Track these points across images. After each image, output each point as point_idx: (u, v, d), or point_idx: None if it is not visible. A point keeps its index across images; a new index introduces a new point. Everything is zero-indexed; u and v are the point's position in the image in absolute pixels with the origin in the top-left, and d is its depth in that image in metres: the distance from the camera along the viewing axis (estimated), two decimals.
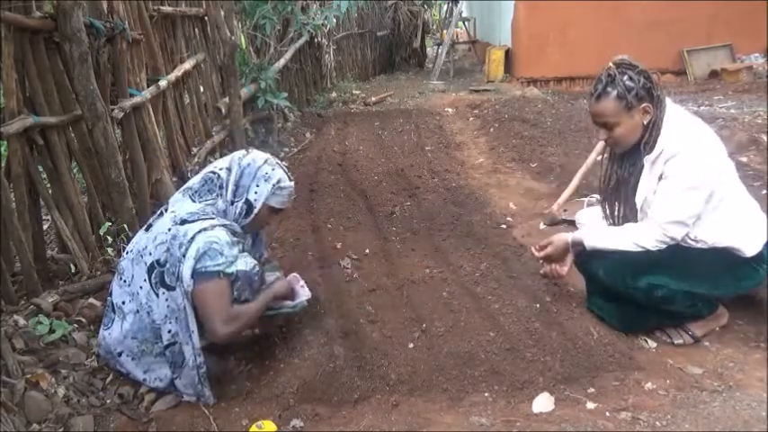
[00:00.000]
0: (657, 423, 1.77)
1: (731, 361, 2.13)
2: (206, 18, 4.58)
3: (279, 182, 2.13)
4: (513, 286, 2.65)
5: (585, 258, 2.34)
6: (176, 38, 4.07)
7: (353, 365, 2.11)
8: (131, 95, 3.03)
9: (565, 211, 3.51)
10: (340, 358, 2.13)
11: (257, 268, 2.15)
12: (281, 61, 6.22)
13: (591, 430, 1.75)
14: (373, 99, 8.16)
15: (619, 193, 2.34)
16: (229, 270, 1.95)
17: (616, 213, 2.36)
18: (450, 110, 7.37)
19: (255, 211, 2.11)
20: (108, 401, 2.00)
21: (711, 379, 2.02)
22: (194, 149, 4.19)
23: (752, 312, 2.39)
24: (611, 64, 2.15)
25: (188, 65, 4.08)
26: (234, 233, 2.05)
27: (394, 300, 2.60)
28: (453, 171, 4.69)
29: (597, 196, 3.27)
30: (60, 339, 2.14)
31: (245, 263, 2.06)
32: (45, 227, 2.82)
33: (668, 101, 2.18)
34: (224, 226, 2.01)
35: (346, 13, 8.91)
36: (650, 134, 2.14)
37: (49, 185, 2.59)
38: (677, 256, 2.15)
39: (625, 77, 2.10)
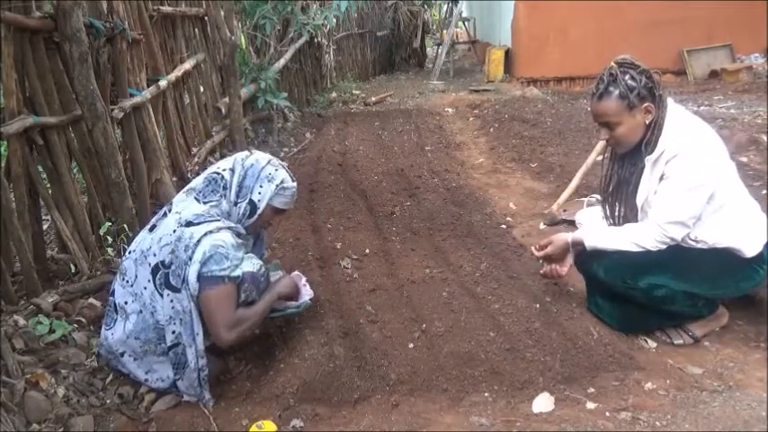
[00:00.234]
0: (657, 423, 1.77)
1: (731, 361, 2.13)
2: (206, 18, 4.59)
3: (282, 182, 2.14)
4: (513, 286, 2.65)
5: (585, 258, 2.34)
6: (176, 38, 4.07)
7: (353, 365, 2.11)
8: (131, 95, 3.03)
9: (565, 211, 3.51)
10: (340, 358, 2.13)
11: (263, 269, 2.15)
12: (281, 61, 6.22)
13: (591, 430, 1.75)
14: (373, 99, 8.16)
15: (619, 194, 2.34)
16: (235, 274, 1.95)
17: (616, 214, 2.36)
18: (450, 110, 7.38)
19: (259, 211, 2.11)
20: (108, 401, 2.00)
21: (711, 379, 2.02)
22: (194, 149, 4.20)
23: (752, 312, 2.39)
24: (613, 63, 2.15)
25: (188, 65, 4.08)
26: (238, 235, 2.05)
27: (394, 300, 2.60)
28: (453, 171, 4.69)
29: (597, 196, 3.27)
30: (60, 339, 2.13)
31: (252, 264, 2.07)
32: (45, 227, 2.82)
33: (670, 101, 2.18)
34: (229, 228, 2.01)
35: (346, 13, 8.92)
36: (652, 134, 2.14)
37: (48, 185, 2.59)
38: (677, 257, 2.15)
39: (627, 77, 2.10)
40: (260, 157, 2.17)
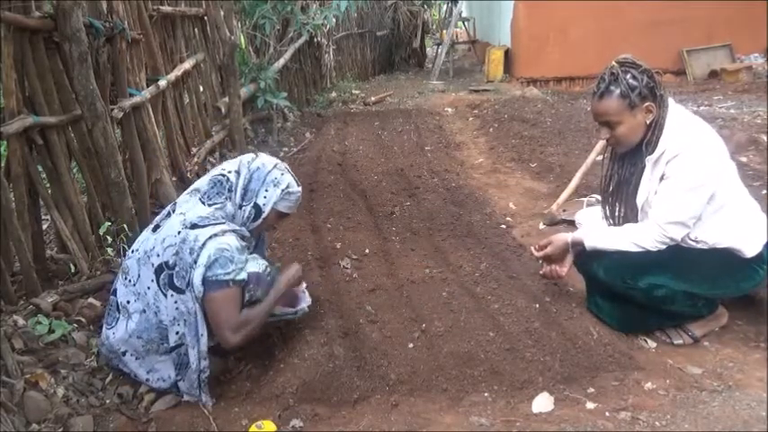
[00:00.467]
0: (657, 423, 1.77)
1: (731, 361, 2.13)
2: (206, 18, 4.59)
3: (288, 187, 2.14)
4: (513, 286, 2.65)
5: (585, 258, 2.34)
6: (176, 38, 4.07)
7: (353, 365, 2.11)
8: (131, 95, 3.03)
9: (564, 211, 3.51)
10: (340, 358, 2.13)
11: (269, 269, 2.17)
12: (281, 61, 6.22)
13: (591, 430, 1.75)
14: (373, 99, 8.16)
15: (619, 194, 2.34)
16: (240, 277, 1.95)
17: (616, 214, 2.36)
18: (449, 110, 7.38)
19: (264, 215, 2.11)
20: (107, 401, 2.00)
21: (711, 379, 2.02)
22: (194, 149, 4.20)
23: (752, 312, 2.39)
24: (614, 63, 2.14)
25: (188, 65, 4.08)
26: (242, 237, 2.05)
27: (394, 300, 2.60)
28: (453, 171, 4.69)
29: (597, 196, 3.27)
30: (60, 339, 2.13)
31: (257, 264, 2.09)
32: (44, 227, 2.82)
33: (671, 101, 2.18)
34: (234, 231, 2.01)
35: (346, 12, 8.91)
36: (653, 134, 2.14)
37: (48, 185, 2.58)
38: (678, 257, 2.15)
39: (628, 76, 2.10)
40: (266, 160, 2.16)
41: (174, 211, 2.06)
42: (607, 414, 1.84)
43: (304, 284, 2.36)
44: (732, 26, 7.86)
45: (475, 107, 7.23)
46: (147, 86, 3.30)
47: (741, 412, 1.78)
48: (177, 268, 1.92)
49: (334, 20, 7.58)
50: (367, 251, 3.15)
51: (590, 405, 1.89)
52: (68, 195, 2.58)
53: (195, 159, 4.06)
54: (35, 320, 2.14)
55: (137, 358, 2.03)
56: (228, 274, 1.91)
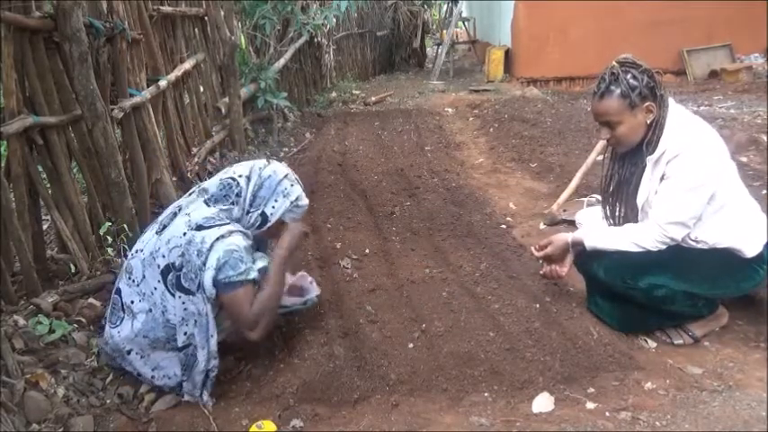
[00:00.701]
0: (657, 423, 1.77)
1: (731, 361, 2.13)
2: (206, 18, 4.59)
3: (297, 199, 2.14)
4: (513, 286, 2.65)
5: (585, 258, 2.34)
6: (176, 38, 4.07)
7: (353, 365, 2.11)
8: (131, 95, 3.03)
9: (564, 211, 3.51)
10: (340, 358, 2.13)
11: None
12: (281, 61, 6.22)
13: (591, 430, 1.75)
14: (373, 99, 8.16)
15: (620, 194, 2.33)
16: (251, 276, 1.95)
17: (617, 214, 2.36)
18: (449, 110, 7.38)
19: (269, 224, 2.11)
20: (108, 401, 2.00)
21: (711, 379, 2.02)
22: (194, 149, 4.20)
23: (752, 312, 2.39)
24: (614, 63, 2.14)
25: (188, 65, 4.08)
26: (247, 236, 2.04)
27: (394, 300, 2.60)
28: (453, 171, 4.69)
29: (597, 196, 3.27)
30: (60, 339, 2.13)
31: (266, 260, 2.11)
32: (45, 227, 2.82)
33: (671, 101, 2.18)
34: (240, 231, 2.00)
35: (346, 12, 8.92)
36: (653, 133, 2.14)
37: (48, 185, 2.59)
38: (678, 257, 2.15)
39: (629, 76, 2.10)
40: (277, 168, 2.15)
41: (179, 212, 2.05)
42: (607, 414, 1.84)
43: (310, 278, 2.39)
44: (732, 26, 7.86)
45: (475, 107, 7.23)
46: (148, 86, 3.30)
47: (741, 412, 1.78)
48: (185, 270, 1.91)
49: (334, 20, 7.58)
50: (367, 251, 3.15)
51: (590, 405, 1.89)
52: (69, 195, 2.58)
53: (195, 159, 4.07)
54: (35, 320, 2.14)
55: (141, 357, 2.03)
56: (240, 274, 1.92)
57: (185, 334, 1.95)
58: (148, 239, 2.05)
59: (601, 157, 2.76)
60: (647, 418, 1.79)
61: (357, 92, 8.84)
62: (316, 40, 7.75)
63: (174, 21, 4.04)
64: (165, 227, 2.03)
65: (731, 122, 5.27)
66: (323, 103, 7.87)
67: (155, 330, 1.99)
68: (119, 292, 2.07)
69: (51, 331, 2.13)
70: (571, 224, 3.17)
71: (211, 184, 2.11)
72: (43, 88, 2.46)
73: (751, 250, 2.13)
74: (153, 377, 2.04)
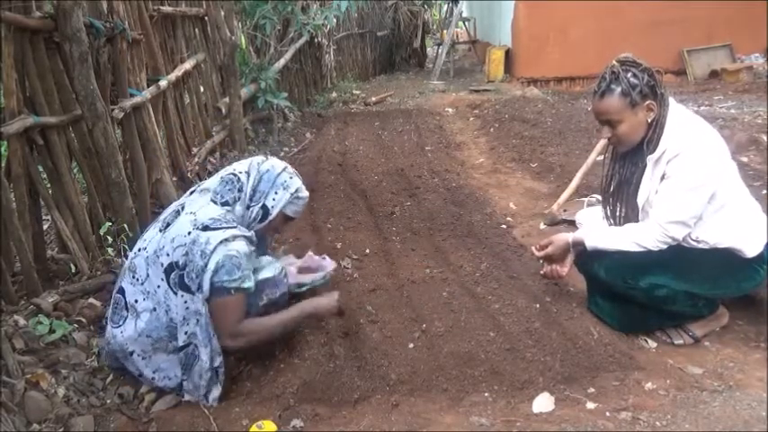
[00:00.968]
0: (657, 423, 1.77)
1: (731, 361, 2.13)
2: (206, 18, 4.59)
3: (297, 191, 2.16)
4: (513, 286, 2.65)
5: (586, 258, 2.33)
6: (176, 38, 4.07)
7: (353, 365, 2.11)
8: (131, 95, 3.03)
9: (565, 211, 3.51)
10: (340, 358, 2.13)
11: (284, 272, 2.21)
12: (281, 61, 6.22)
13: (591, 430, 1.75)
14: (373, 99, 8.16)
15: (620, 194, 2.33)
16: (245, 285, 1.95)
17: (617, 214, 2.36)
18: (450, 110, 7.38)
19: (271, 217, 2.12)
20: (108, 401, 2.00)
21: (711, 379, 2.02)
22: (194, 149, 4.20)
23: (752, 312, 2.39)
24: (614, 62, 2.15)
25: (188, 65, 4.08)
26: (251, 242, 2.04)
27: (394, 300, 2.60)
28: (453, 171, 4.69)
29: (597, 196, 3.27)
30: (60, 339, 2.13)
31: (273, 268, 2.15)
32: (45, 227, 2.82)
33: (672, 101, 2.18)
34: (244, 237, 2.00)
35: (346, 12, 8.92)
36: (654, 132, 2.14)
37: (49, 185, 2.59)
38: (678, 257, 2.15)
39: (629, 74, 2.10)
40: (276, 163, 2.18)
41: (182, 210, 2.04)
42: (607, 414, 1.84)
43: (322, 255, 2.51)
44: (732, 26, 7.85)
45: (475, 107, 7.23)
46: (148, 86, 3.30)
47: (742, 412, 1.78)
48: (188, 269, 1.91)
49: (334, 20, 7.58)
50: (367, 251, 3.15)
51: (590, 405, 1.89)
52: (69, 195, 2.59)
53: (196, 159, 4.07)
54: (36, 320, 2.14)
55: (143, 358, 2.02)
56: (234, 281, 1.92)
57: (186, 333, 1.95)
58: (152, 238, 2.05)
59: (601, 157, 2.76)
60: (647, 418, 1.79)
61: (357, 92, 8.84)
62: (316, 40, 7.75)
63: (175, 21, 4.04)
64: (168, 225, 2.02)
65: (731, 122, 5.27)
66: (323, 103, 7.87)
67: (158, 330, 1.98)
68: (121, 291, 2.06)
69: (52, 331, 2.12)
70: (571, 224, 3.17)
71: (212, 182, 2.12)
72: (43, 88, 2.46)
73: (752, 250, 2.13)
74: (153, 378, 2.04)
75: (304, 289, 2.38)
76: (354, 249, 3.16)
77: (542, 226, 3.51)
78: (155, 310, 1.98)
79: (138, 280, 2.02)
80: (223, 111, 4.74)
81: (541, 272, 2.48)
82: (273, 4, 5.80)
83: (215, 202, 2.04)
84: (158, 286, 1.97)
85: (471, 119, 6.80)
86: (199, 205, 2.03)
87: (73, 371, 2.03)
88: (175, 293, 1.94)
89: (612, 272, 2.23)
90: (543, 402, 1.91)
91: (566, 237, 2.35)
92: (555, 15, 8.11)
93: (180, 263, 1.92)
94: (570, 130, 5.58)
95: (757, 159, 4.22)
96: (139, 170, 3.10)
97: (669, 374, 2.04)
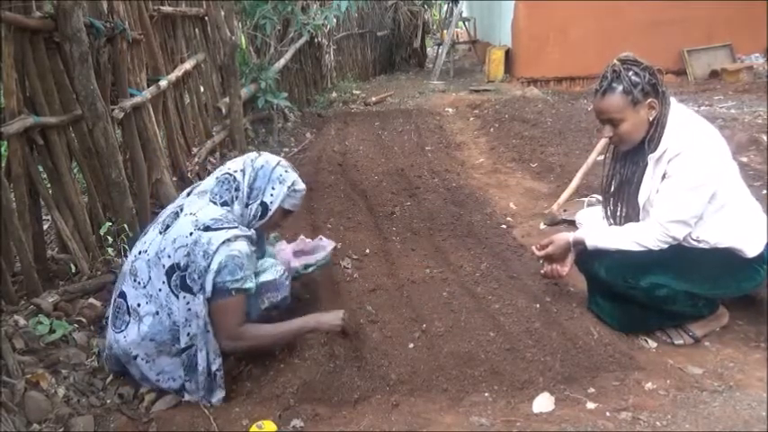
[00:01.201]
0: (658, 423, 1.77)
1: (731, 361, 2.13)
2: (206, 18, 4.59)
3: (294, 184, 2.14)
4: (514, 286, 2.65)
5: (587, 258, 2.33)
6: (176, 38, 4.07)
7: (353, 365, 2.11)
8: (132, 95, 3.03)
9: (565, 211, 3.51)
10: (340, 358, 2.13)
11: (286, 274, 2.20)
12: (282, 61, 6.22)
13: (591, 430, 1.75)
14: (373, 99, 8.16)
15: (621, 193, 2.33)
16: (246, 286, 1.95)
17: (618, 213, 2.36)
18: (450, 110, 7.38)
19: (270, 213, 2.11)
20: (108, 401, 2.00)
21: (712, 379, 2.02)
22: (194, 149, 4.20)
23: (752, 312, 2.39)
24: (615, 60, 2.15)
25: (188, 65, 4.08)
26: (252, 242, 2.04)
27: (394, 300, 2.60)
28: (453, 171, 4.69)
29: (597, 196, 3.27)
30: (60, 339, 2.13)
31: (275, 271, 2.15)
32: (45, 227, 2.82)
33: (673, 100, 2.18)
34: (245, 237, 2.00)
35: (346, 13, 8.91)
36: (655, 131, 2.14)
37: (49, 185, 2.59)
38: (679, 256, 2.15)
39: (630, 73, 2.10)
40: (269, 158, 2.17)
41: (181, 212, 2.03)
42: (608, 414, 1.84)
43: (318, 237, 2.55)
44: (732, 26, 7.85)
45: (475, 107, 7.23)
46: (148, 86, 3.31)
47: (742, 412, 1.78)
48: (189, 270, 1.91)
49: (334, 20, 7.58)
50: (367, 251, 3.15)
51: (590, 405, 1.89)
52: (69, 195, 2.59)
53: (196, 159, 4.07)
54: (36, 320, 2.14)
55: (147, 362, 2.01)
56: (236, 281, 1.92)
57: (188, 335, 1.94)
58: (152, 240, 2.04)
59: (601, 157, 2.76)
60: (647, 419, 1.79)
61: (357, 92, 8.84)
62: (316, 40, 7.75)
63: (175, 21, 4.04)
64: (168, 227, 2.01)
65: (732, 122, 5.27)
66: (323, 103, 7.87)
67: (161, 333, 1.97)
68: (123, 295, 2.04)
69: (52, 331, 2.12)
70: (571, 224, 3.17)
71: (208, 183, 2.11)
72: (44, 88, 2.46)
73: (752, 250, 2.13)
74: (158, 380, 2.03)
75: (311, 270, 2.45)
76: (354, 249, 3.16)
77: (542, 226, 3.51)
78: (157, 313, 1.97)
79: (140, 283, 2.01)
80: (223, 111, 4.74)
81: (542, 271, 2.48)
82: (273, 4, 5.80)
83: (214, 203, 2.03)
84: (160, 289, 1.96)
85: (471, 119, 6.80)
86: (198, 206, 2.02)
87: (73, 371, 2.03)
88: (176, 296, 1.93)
89: (613, 271, 2.22)
90: (543, 402, 1.91)
91: (566, 236, 2.35)
92: (555, 15, 8.11)
93: (181, 264, 1.92)
94: (570, 130, 5.59)
95: (757, 159, 4.22)
96: (139, 170, 3.10)
97: (669, 374, 2.04)
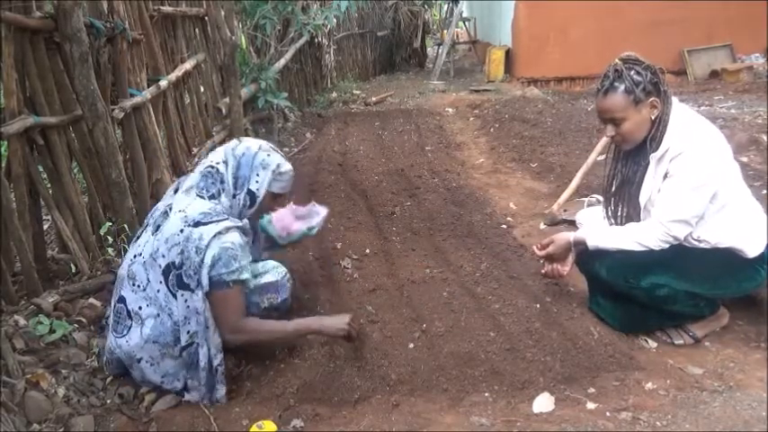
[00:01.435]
0: (658, 423, 1.77)
1: (732, 361, 2.13)
2: (206, 18, 4.58)
3: (278, 167, 2.10)
4: (514, 286, 2.65)
5: (587, 258, 2.33)
6: (176, 38, 4.07)
7: (353, 365, 2.11)
8: (132, 95, 3.03)
9: (565, 211, 3.51)
10: (340, 358, 2.13)
11: (287, 276, 2.21)
12: (282, 61, 6.22)
13: (591, 430, 1.75)
14: (373, 99, 8.16)
15: (622, 193, 2.33)
16: (243, 277, 1.95)
17: (619, 213, 2.36)
18: (450, 110, 7.37)
19: (259, 200, 2.08)
20: (108, 401, 2.00)
21: (712, 379, 2.02)
22: (195, 149, 4.19)
23: (752, 313, 2.39)
24: (617, 60, 2.15)
25: (188, 65, 4.08)
26: (245, 233, 2.03)
27: (394, 300, 2.60)
28: (453, 171, 4.69)
29: (597, 196, 3.28)
30: (60, 339, 2.13)
31: (276, 273, 2.15)
32: (45, 227, 2.82)
33: (674, 100, 2.18)
34: (237, 228, 1.99)
35: (346, 12, 8.92)
36: (657, 130, 2.14)
37: (49, 185, 2.59)
38: (680, 256, 2.15)
39: (632, 72, 2.10)
40: (250, 144, 2.12)
41: (170, 210, 2.02)
42: (608, 414, 1.84)
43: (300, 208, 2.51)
44: (732, 26, 7.85)
45: (475, 107, 7.22)
46: (148, 86, 3.30)
47: (742, 412, 1.78)
48: (185, 267, 1.90)
49: (334, 20, 7.58)
50: (367, 251, 3.15)
51: (591, 405, 1.89)
52: (69, 195, 2.59)
53: (196, 159, 4.06)
54: (36, 320, 2.14)
55: (152, 364, 2.00)
56: (232, 273, 1.91)
57: (188, 333, 1.94)
58: (145, 242, 2.03)
59: (601, 157, 2.77)
60: (647, 419, 1.79)
61: (357, 92, 8.84)
62: (316, 40, 7.75)
63: (175, 21, 4.03)
64: (159, 227, 2.01)
65: (732, 122, 5.27)
66: (323, 103, 7.87)
67: (164, 335, 1.96)
68: (122, 300, 2.03)
69: (52, 331, 2.12)
70: (571, 224, 3.17)
71: (193, 178, 2.07)
72: (44, 88, 2.46)
73: (753, 250, 2.13)
74: (162, 383, 2.02)
75: (314, 232, 2.43)
76: (354, 249, 3.15)
77: (542, 226, 3.51)
78: (158, 315, 1.97)
79: (139, 287, 2.00)
80: (223, 111, 4.74)
81: (542, 271, 2.47)
82: (273, 4, 5.80)
83: (202, 197, 2.01)
84: (158, 290, 1.96)
85: (471, 119, 6.80)
86: (187, 203, 2.00)
87: (73, 371, 2.03)
88: (174, 295, 1.93)
89: (614, 271, 2.22)
90: (543, 402, 1.91)
91: (567, 236, 2.35)
92: (555, 15, 8.11)
93: (176, 262, 1.91)
94: (570, 130, 5.58)
95: (757, 159, 4.22)
96: (140, 170, 3.10)
97: (669, 374, 2.04)
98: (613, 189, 2.38)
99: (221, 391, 1.99)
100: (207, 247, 1.88)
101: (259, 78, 5.46)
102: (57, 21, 2.41)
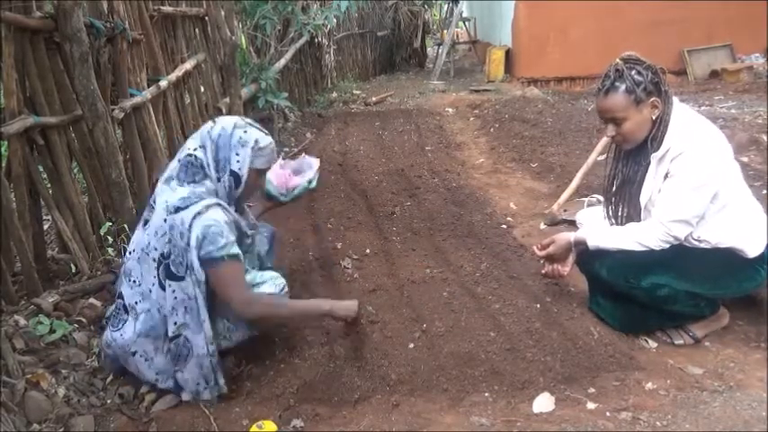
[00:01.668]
0: (658, 423, 1.77)
1: (732, 361, 2.13)
2: (206, 18, 4.58)
3: (257, 142, 2.04)
4: (514, 286, 2.65)
5: (588, 258, 2.33)
6: (177, 38, 4.07)
7: (353, 365, 2.11)
8: (132, 95, 3.03)
9: (565, 211, 3.51)
10: (340, 358, 2.13)
11: (286, 288, 2.18)
12: (282, 61, 6.22)
13: (591, 430, 1.75)
14: (374, 99, 8.15)
15: (623, 193, 2.33)
16: (233, 251, 1.93)
17: (619, 213, 2.36)
18: (450, 110, 7.37)
19: (243, 179, 2.03)
20: (108, 401, 2.00)
21: (712, 379, 2.02)
22: None
23: (753, 313, 2.39)
24: (618, 60, 2.15)
25: (188, 65, 4.08)
26: (227, 209, 1.99)
27: (394, 300, 2.60)
28: (454, 171, 4.69)
29: (598, 196, 3.28)
30: (61, 339, 2.14)
31: (275, 285, 2.13)
32: (45, 227, 2.82)
33: (675, 99, 2.18)
34: (218, 204, 1.96)
35: (346, 12, 8.91)
36: (658, 129, 2.14)
37: (49, 185, 2.59)
38: (680, 256, 2.15)
39: (633, 72, 2.10)
40: (225, 123, 2.06)
41: (155, 203, 2.01)
42: (608, 414, 1.84)
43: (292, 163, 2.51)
44: (732, 26, 7.85)
45: (475, 107, 7.22)
46: (148, 86, 3.30)
47: (742, 412, 1.78)
48: (173, 256, 1.91)
49: (334, 20, 7.58)
50: (368, 251, 3.15)
51: (591, 405, 1.89)
52: (69, 195, 2.59)
53: None
54: (36, 320, 2.14)
55: (146, 359, 2.01)
56: (221, 248, 1.89)
57: (175, 324, 1.93)
58: (137, 238, 2.05)
59: (602, 157, 2.76)
60: (647, 419, 1.79)
61: (358, 92, 8.84)
62: (316, 40, 7.75)
63: (175, 21, 4.03)
64: (147, 221, 2.02)
65: (732, 122, 5.27)
66: (323, 103, 7.87)
67: (155, 328, 1.97)
68: (120, 296, 2.06)
69: (52, 331, 2.13)
70: (572, 224, 3.17)
71: (173, 170, 2.03)
72: (44, 88, 2.46)
73: (753, 250, 2.13)
74: (157, 380, 2.03)
75: (314, 184, 2.46)
76: (354, 249, 3.15)
77: (542, 226, 3.51)
78: (149, 310, 1.98)
79: (135, 282, 2.01)
80: (223, 111, 4.73)
81: (542, 271, 2.47)
82: (274, 4, 5.80)
83: (183, 185, 1.98)
84: (153, 284, 1.97)
85: (471, 119, 6.80)
86: (168, 193, 1.98)
87: (73, 371, 2.03)
88: (163, 288, 1.93)
89: (614, 271, 2.22)
90: (543, 402, 1.91)
91: (567, 236, 2.35)
92: (555, 15, 8.10)
93: (165, 252, 1.92)
94: (570, 130, 5.58)
95: (757, 159, 4.22)
96: (140, 170, 3.11)
97: (669, 375, 2.04)
98: (614, 189, 2.38)
99: (222, 379, 1.99)
100: (189, 229, 1.87)
101: (259, 78, 5.46)
102: (57, 21, 2.41)
